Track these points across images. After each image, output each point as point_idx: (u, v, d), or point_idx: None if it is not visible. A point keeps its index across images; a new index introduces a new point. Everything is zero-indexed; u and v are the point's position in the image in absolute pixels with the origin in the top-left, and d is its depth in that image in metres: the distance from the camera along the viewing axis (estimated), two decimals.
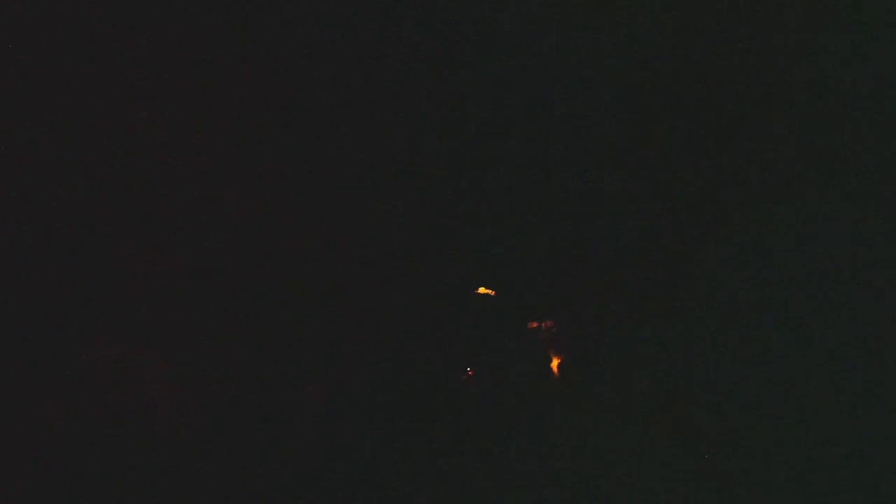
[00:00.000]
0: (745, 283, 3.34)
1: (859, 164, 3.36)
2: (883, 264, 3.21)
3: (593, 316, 3.58)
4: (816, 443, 3.06)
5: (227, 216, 3.51)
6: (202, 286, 3.41)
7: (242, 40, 3.51)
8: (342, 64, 3.63)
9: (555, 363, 3.55)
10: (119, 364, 3.21)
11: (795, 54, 3.40)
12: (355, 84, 3.65)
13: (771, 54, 3.43)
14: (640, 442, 3.27)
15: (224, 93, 3.53)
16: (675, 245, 3.53)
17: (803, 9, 3.37)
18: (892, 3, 3.26)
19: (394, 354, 3.54)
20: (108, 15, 3.33)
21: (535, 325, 3.62)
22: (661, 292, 3.49)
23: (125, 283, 3.30)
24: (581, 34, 3.56)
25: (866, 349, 3.12)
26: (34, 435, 3.01)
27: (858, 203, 3.31)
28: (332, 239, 3.62)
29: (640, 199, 3.61)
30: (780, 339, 3.22)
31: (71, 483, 2.99)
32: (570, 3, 3.55)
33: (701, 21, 3.48)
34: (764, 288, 3.30)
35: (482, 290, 3.62)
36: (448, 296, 3.65)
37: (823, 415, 3.08)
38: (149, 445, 3.12)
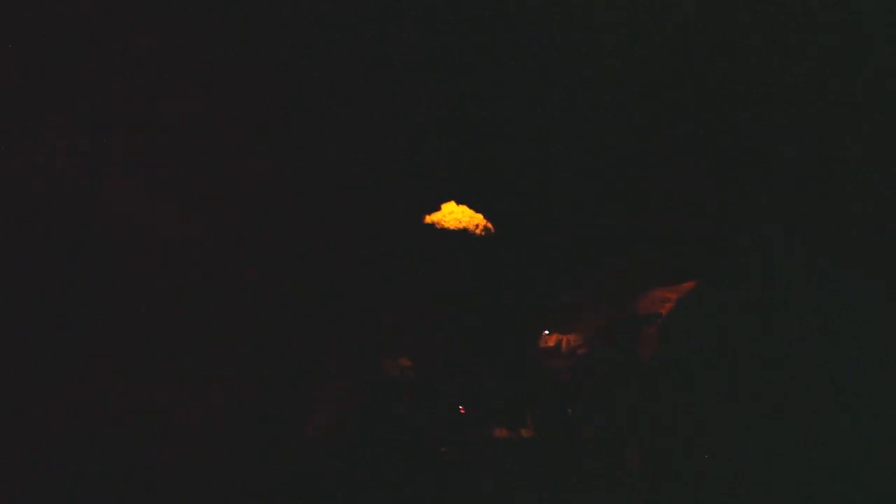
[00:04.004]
0: (745, 282, 3.34)
1: (859, 163, 3.36)
2: (883, 263, 3.21)
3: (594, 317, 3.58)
4: (816, 443, 3.05)
5: (227, 216, 3.51)
6: (202, 286, 3.41)
7: (242, 40, 3.51)
8: (342, 64, 3.63)
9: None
10: (119, 364, 3.21)
11: (795, 54, 3.40)
12: (355, 84, 3.65)
13: (771, 54, 3.43)
14: (640, 442, 3.27)
15: (224, 93, 3.52)
16: (675, 245, 3.53)
17: (803, 9, 3.37)
18: (893, 3, 3.26)
19: (393, 357, 3.54)
20: (108, 15, 3.33)
21: (553, 340, 3.46)
22: (661, 292, 3.49)
23: (125, 284, 3.30)
24: (581, 34, 3.56)
25: (866, 349, 3.12)
26: (34, 435, 3.01)
27: (858, 202, 3.31)
28: (332, 239, 3.61)
29: (640, 199, 3.61)
30: (780, 339, 3.22)
31: (71, 483, 2.99)
32: (570, 3, 3.55)
33: (701, 21, 3.48)
34: (764, 288, 3.30)
35: (453, 208, 3.39)
36: (449, 296, 3.65)
37: (823, 415, 3.07)
38: (149, 445, 3.11)
